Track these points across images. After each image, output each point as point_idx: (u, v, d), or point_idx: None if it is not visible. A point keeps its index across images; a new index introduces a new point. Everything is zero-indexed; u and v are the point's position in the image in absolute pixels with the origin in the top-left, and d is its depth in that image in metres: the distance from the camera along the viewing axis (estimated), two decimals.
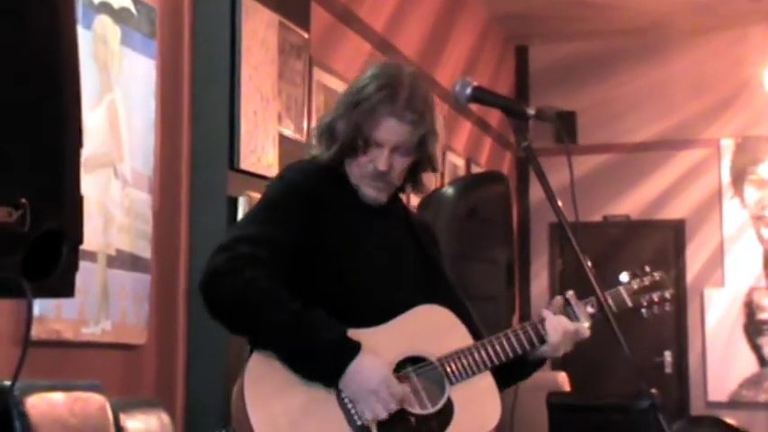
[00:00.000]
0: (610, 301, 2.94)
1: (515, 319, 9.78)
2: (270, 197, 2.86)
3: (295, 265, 2.76)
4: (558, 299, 2.99)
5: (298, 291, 2.72)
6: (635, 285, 3.08)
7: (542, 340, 2.91)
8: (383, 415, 2.66)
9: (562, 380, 8.57)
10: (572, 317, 2.94)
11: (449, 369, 2.79)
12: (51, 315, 4.03)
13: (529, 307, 10.74)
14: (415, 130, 2.82)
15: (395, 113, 2.80)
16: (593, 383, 9.85)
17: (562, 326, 2.91)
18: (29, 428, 3.34)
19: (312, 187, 2.83)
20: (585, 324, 2.95)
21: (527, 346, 2.90)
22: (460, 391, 2.78)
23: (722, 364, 10.36)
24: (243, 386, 2.64)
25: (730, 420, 7.24)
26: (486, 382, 2.84)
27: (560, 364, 9.82)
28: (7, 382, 3.31)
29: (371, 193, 2.87)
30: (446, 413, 2.76)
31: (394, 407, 2.68)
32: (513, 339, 2.88)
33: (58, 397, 3.54)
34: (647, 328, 9.89)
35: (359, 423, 2.66)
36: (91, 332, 4.28)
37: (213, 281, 2.68)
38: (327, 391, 2.67)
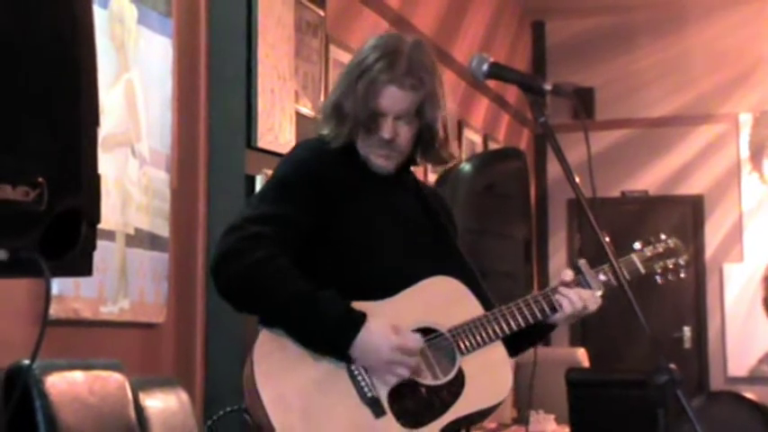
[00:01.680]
0: (623, 270, 2.95)
1: None
2: (280, 175, 2.86)
3: (307, 243, 2.77)
4: (569, 270, 2.98)
5: (310, 268, 2.73)
6: (648, 252, 3.09)
7: (554, 309, 2.92)
8: (406, 375, 2.68)
9: (581, 356, 8.56)
10: (584, 285, 2.94)
11: (459, 340, 2.79)
12: (70, 294, 4.04)
13: (547, 283, 10.72)
14: (416, 96, 2.83)
15: (395, 80, 2.81)
16: (612, 359, 9.85)
17: (574, 296, 2.91)
18: (49, 407, 3.35)
19: (322, 164, 2.84)
20: (598, 293, 2.95)
21: (539, 316, 2.90)
22: (471, 361, 2.78)
23: (741, 339, 10.35)
24: (252, 364, 2.65)
25: (750, 395, 7.22)
26: (497, 352, 2.84)
27: (579, 339, 9.84)
28: (26, 361, 3.32)
29: (380, 162, 2.87)
30: (457, 384, 2.76)
31: (414, 363, 2.69)
32: (524, 309, 2.89)
33: (77, 376, 3.55)
34: (666, 304, 9.90)
35: (369, 395, 2.67)
36: (109, 311, 4.29)
37: (222, 262, 2.69)
38: (337, 364, 2.67)
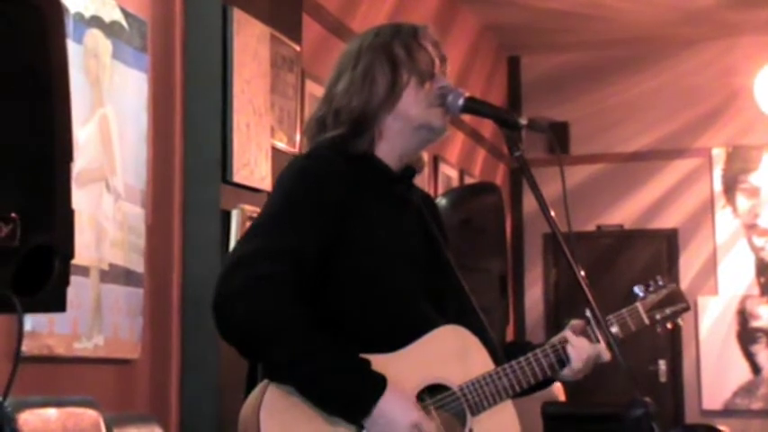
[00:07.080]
0: (628, 320, 2.90)
1: (510, 329, 9.78)
2: (289, 197, 2.66)
3: (320, 272, 2.61)
4: (580, 322, 2.87)
5: (322, 300, 2.61)
6: (650, 300, 2.98)
7: (563, 364, 2.83)
8: None
9: (557, 390, 8.56)
10: (593, 338, 2.85)
11: (471, 399, 2.69)
12: (44, 330, 4.01)
13: (523, 318, 10.74)
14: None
15: (425, 33, 2.89)
16: (588, 392, 9.84)
17: (585, 350, 2.82)
18: None
19: (338, 177, 2.67)
20: (602, 345, 2.83)
21: (548, 372, 2.81)
22: (482, 423, 2.69)
23: (716, 372, 10.37)
24: (259, 423, 2.49)
25: (724, 428, 7.24)
26: (507, 413, 2.75)
27: None
28: None
29: (442, 120, 2.81)
30: None
31: None
32: (534, 365, 2.78)
33: (50, 413, 3.53)
34: (641, 337, 9.89)
35: None
36: (84, 347, 4.26)
37: (228, 303, 2.51)
38: (349, 428, 2.54)
